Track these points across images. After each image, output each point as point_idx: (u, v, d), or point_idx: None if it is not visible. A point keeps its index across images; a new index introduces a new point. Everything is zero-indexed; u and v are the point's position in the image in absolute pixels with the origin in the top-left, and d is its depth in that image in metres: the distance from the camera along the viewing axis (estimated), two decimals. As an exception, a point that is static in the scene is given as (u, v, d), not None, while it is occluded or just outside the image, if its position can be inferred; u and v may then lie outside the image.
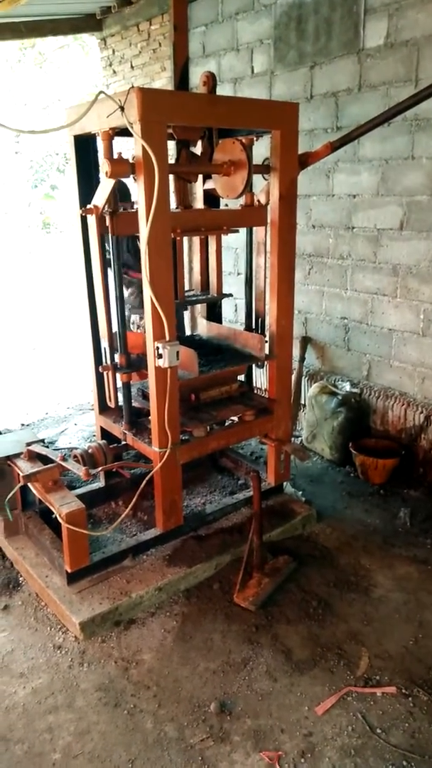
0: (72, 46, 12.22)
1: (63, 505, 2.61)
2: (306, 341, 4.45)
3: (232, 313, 4.98)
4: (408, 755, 2.03)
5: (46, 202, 19.36)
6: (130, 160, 2.45)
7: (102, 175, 2.50)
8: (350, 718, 2.18)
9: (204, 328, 3.49)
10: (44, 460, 2.95)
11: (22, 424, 4.92)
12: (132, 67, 5.63)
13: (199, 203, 3.31)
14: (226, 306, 4.46)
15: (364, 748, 2.07)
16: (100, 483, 3.43)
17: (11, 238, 16.39)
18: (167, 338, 2.60)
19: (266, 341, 3.12)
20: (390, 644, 2.52)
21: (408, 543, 3.21)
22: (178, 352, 2.61)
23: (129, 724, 2.18)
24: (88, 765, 2.03)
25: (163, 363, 2.59)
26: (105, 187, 2.55)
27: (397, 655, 2.46)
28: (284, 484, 3.53)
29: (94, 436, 4.60)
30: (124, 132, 2.59)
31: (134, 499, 2.74)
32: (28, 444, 3.01)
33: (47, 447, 3.11)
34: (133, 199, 3.04)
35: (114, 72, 5.90)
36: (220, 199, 3.32)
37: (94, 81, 14.99)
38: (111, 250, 2.73)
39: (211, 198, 3.32)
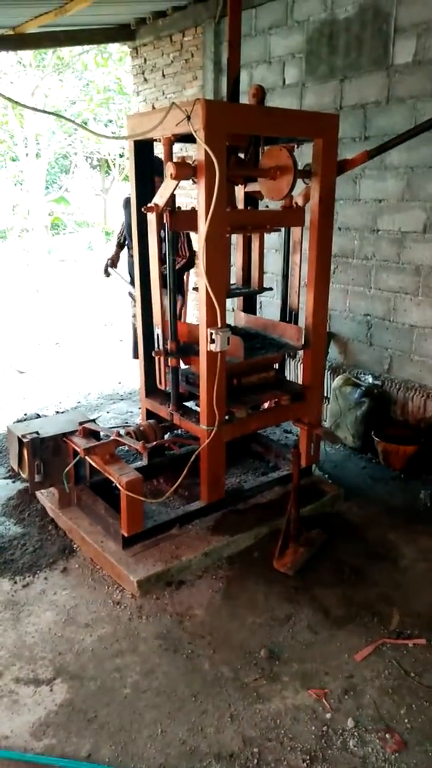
0: (91, 52, 12.53)
1: (122, 474, 2.87)
2: (329, 336, 4.72)
3: (257, 310, 5.24)
4: (440, 694, 2.30)
5: (57, 205, 19.65)
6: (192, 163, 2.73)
7: (166, 177, 2.77)
8: (386, 663, 2.44)
9: (242, 319, 3.76)
10: (97, 436, 3.22)
11: (57, 412, 5.18)
12: (163, 75, 5.92)
13: (240, 205, 3.58)
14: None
15: (400, 688, 2.33)
16: (143, 462, 3.69)
17: (25, 238, 16.68)
18: (219, 325, 2.87)
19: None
20: (418, 605, 2.79)
21: (429, 521, 3.47)
22: (228, 338, 2.88)
23: (189, 666, 2.43)
24: (156, 698, 2.29)
25: (215, 347, 2.86)
26: (167, 187, 2.82)
27: (425, 614, 2.72)
28: (312, 467, 3.79)
29: (126, 422, 4.87)
30: (181, 138, 2.89)
31: (185, 471, 3.00)
32: (81, 423, 3.27)
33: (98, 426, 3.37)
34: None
35: (145, 80, 6.19)
36: (259, 201, 3.61)
37: (109, 85, 15.31)
38: (167, 244, 3.00)
39: (250, 200, 3.60)
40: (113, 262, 4.80)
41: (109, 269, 4.77)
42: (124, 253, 4.75)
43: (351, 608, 2.76)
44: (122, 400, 5.46)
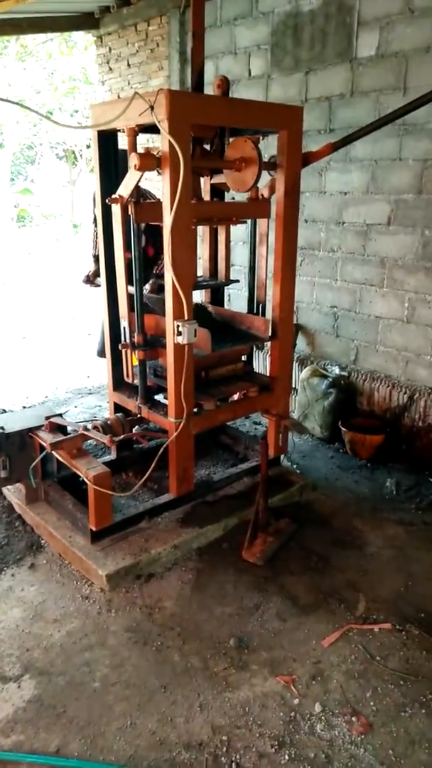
0: (55, 40, 12.29)
1: (90, 468, 2.85)
2: (297, 328, 4.76)
3: (227, 302, 5.24)
4: (404, 677, 2.35)
5: (22, 196, 19.27)
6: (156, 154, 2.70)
7: (130, 168, 2.74)
8: (352, 649, 2.49)
9: (210, 311, 3.75)
10: (63, 431, 3.18)
11: (24, 407, 5.10)
12: (129, 65, 5.85)
13: (206, 197, 3.57)
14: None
15: (366, 672, 2.38)
16: (111, 456, 3.67)
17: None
18: (186, 317, 2.86)
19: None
20: (383, 591, 2.84)
21: (395, 508, 3.54)
22: (195, 330, 2.87)
23: (158, 658, 2.44)
24: (125, 691, 2.29)
25: (182, 340, 2.85)
26: (131, 178, 2.79)
27: (391, 599, 2.78)
28: (281, 457, 3.82)
29: (94, 417, 4.83)
30: (146, 129, 2.86)
31: (153, 464, 2.99)
32: (48, 417, 3.23)
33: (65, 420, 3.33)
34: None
35: (110, 69, 6.11)
36: (225, 193, 3.60)
37: (74, 75, 15.07)
38: (133, 237, 2.97)
39: (216, 192, 3.59)
40: (96, 274, 4.41)
41: (97, 281, 4.31)
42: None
43: (318, 595, 2.80)
44: (90, 394, 5.41)
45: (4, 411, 4.66)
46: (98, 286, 4.42)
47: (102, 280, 3.38)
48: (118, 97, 6.03)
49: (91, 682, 2.33)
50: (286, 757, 2.03)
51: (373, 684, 2.32)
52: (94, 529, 2.91)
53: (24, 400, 5.32)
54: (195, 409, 3.18)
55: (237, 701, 2.24)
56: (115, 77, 6.07)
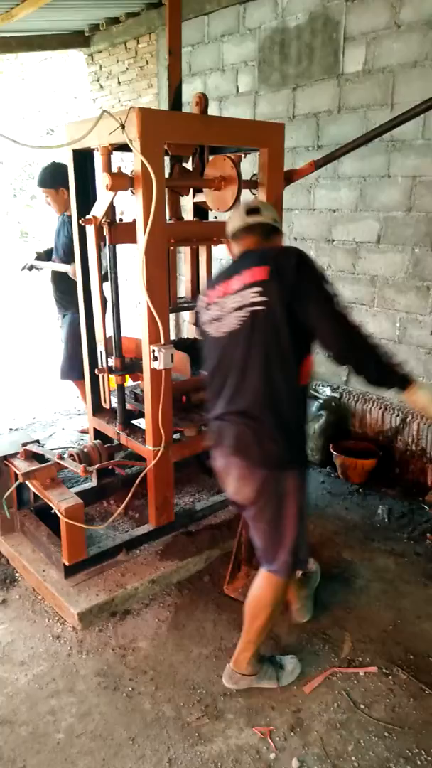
0: (54, 58, 12.36)
1: (62, 500, 2.73)
2: (288, 348, 4.63)
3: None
4: (389, 727, 2.19)
5: (24, 212, 19.34)
6: (129, 174, 2.61)
7: (102, 188, 2.65)
8: (335, 695, 2.34)
9: (194, 332, 3.64)
10: (40, 459, 3.06)
11: (11, 429, 5.00)
12: (119, 83, 5.81)
13: (189, 215, 3.48)
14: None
15: (348, 722, 2.22)
16: (92, 483, 3.54)
17: (-11, 246, 16.37)
18: (162, 342, 2.75)
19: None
20: (371, 629, 2.69)
21: (386, 538, 3.39)
22: (172, 355, 2.76)
23: (128, 706, 2.29)
24: (91, 743, 2.15)
25: (158, 365, 2.74)
26: (104, 198, 2.70)
27: (378, 639, 2.63)
28: (269, 483, 3.68)
29: (81, 439, 4.71)
30: (121, 147, 2.77)
31: (129, 495, 2.87)
32: (24, 444, 3.12)
33: (42, 447, 3.22)
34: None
35: (101, 87, 6.08)
36: (209, 212, 3.51)
37: (74, 93, 15.15)
38: (108, 258, 2.88)
39: (200, 210, 3.50)
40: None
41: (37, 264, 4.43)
42: None
43: (302, 635, 2.65)
44: (79, 415, 5.29)
45: (-12, 434, 4.55)
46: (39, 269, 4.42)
47: (80, 301, 3.27)
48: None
49: (55, 733, 2.19)
50: None
51: (355, 736, 2.16)
52: (67, 563, 2.78)
53: (11, 421, 5.21)
54: (176, 436, 3.06)
55: (209, 756, 2.09)
56: (106, 95, 6.04)
